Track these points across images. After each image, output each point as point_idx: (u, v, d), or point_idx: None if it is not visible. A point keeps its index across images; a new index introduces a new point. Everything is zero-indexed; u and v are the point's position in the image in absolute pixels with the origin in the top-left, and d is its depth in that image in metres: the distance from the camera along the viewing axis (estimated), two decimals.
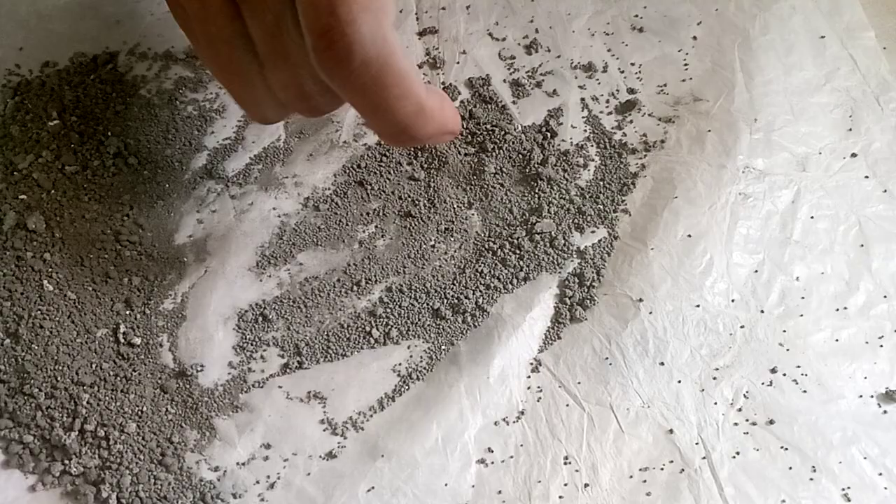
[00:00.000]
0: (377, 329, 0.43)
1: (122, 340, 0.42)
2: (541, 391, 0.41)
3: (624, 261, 0.45)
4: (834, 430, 0.40)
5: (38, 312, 0.42)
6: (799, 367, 0.41)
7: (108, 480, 0.39)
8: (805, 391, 0.41)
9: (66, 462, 0.39)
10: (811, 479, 0.39)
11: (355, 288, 0.44)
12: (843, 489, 0.38)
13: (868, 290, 0.43)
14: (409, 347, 0.43)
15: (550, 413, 0.41)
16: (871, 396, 0.41)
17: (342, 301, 0.44)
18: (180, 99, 0.49)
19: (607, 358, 0.42)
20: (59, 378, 0.41)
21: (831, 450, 0.39)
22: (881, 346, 0.42)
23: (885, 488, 0.38)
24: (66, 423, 0.40)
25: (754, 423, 0.40)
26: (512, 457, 0.40)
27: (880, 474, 0.39)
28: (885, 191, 0.46)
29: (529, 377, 0.42)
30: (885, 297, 0.43)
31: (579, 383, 0.42)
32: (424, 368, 0.42)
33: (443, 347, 0.43)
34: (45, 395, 0.41)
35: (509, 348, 0.42)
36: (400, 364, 0.42)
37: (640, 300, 0.43)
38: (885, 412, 0.40)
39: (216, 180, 0.47)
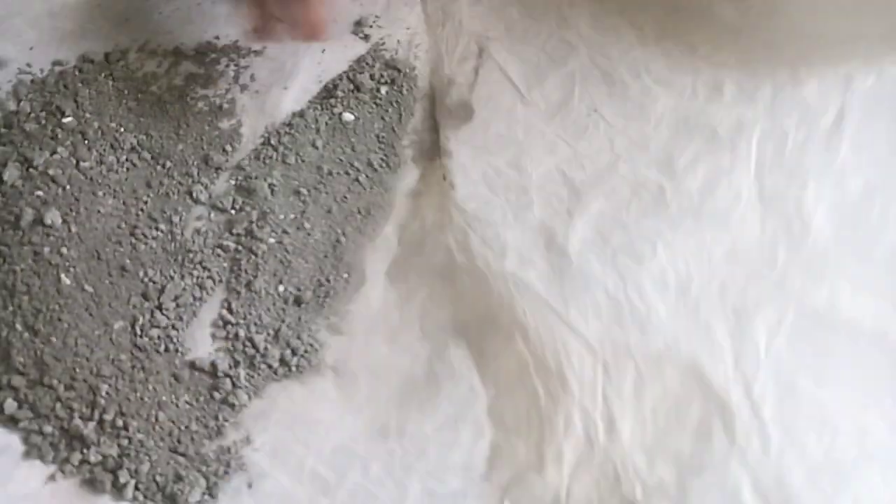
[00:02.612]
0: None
1: (139, 332, 0.43)
2: (549, 340, 0.39)
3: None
4: None
5: (57, 306, 0.43)
6: (856, 279, 0.37)
7: (127, 467, 0.40)
8: (861, 307, 0.37)
9: (85, 451, 0.40)
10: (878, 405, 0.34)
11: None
12: None
13: None
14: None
15: (561, 364, 0.38)
16: None
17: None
18: (190, 95, 0.50)
19: (625, 297, 0.39)
20: (77, 369, 0.42)
21: None
22: None
23: None
24: (85, 414, 0.41)
25: (802, 352, 0.36)
26: (524, 421, 0.39)
27: None
28: None
29: (534, 328, 0.40)
30: None
31: (592, 327, 0.38)
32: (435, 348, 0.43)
33: None
34: (65, 386, 0.41)
35: (513, 310, 0.41)
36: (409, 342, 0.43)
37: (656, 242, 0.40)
38: None
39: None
